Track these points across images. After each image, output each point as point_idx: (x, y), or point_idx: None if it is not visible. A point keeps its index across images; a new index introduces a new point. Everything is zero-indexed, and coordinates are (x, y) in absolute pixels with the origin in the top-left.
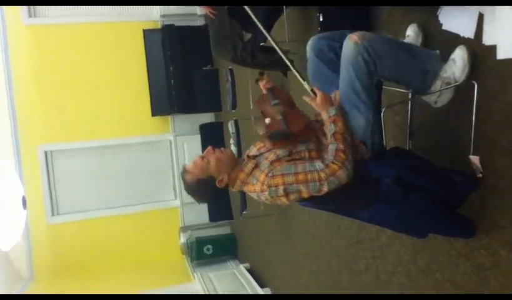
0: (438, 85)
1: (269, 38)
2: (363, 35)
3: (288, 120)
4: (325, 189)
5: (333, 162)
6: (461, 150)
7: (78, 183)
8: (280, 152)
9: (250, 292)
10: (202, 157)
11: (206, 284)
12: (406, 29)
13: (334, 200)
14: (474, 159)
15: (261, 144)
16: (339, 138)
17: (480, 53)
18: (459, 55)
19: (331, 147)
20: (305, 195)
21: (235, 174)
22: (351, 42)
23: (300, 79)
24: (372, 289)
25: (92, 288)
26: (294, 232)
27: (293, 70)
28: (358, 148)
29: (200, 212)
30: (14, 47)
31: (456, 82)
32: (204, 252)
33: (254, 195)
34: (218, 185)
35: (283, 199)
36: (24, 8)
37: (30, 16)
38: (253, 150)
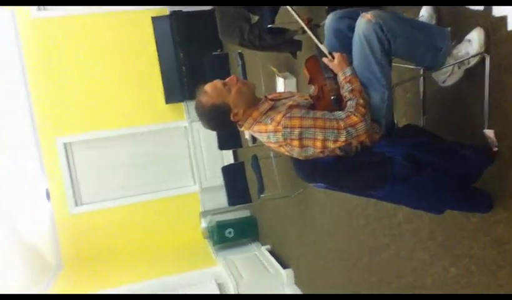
0: (450, 63)
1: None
2: (376, 14)
3: (339, 103)
4: (343, 138)
5: (354, 114)
6: (476, 125)
7: (98, 173)
8: (300, 99)
9: (272, 273)
10: (224, 83)
11: (230, 267)
12: (419, 9)
13: (347, 181)
14: (489, 133)
15: (279, 94)
16: (357, 94)
17: (491, 25)
18: (476, 37)
19: (351, 103)
20: (319, 143)
21: (250, 110)
22: (364, 21)
23: (317, 42)
24: (393, 266)
25: (118, 274)
26: (312, 212)
27: (310, 33)
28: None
29: (219, 197)
30: (26, 41)
31: (468, 63)
32: (226, 235)
33: (263, 137)
34: (232, 119)
35: (295, 144)
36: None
37: (39, 9)
38: (270, 95)
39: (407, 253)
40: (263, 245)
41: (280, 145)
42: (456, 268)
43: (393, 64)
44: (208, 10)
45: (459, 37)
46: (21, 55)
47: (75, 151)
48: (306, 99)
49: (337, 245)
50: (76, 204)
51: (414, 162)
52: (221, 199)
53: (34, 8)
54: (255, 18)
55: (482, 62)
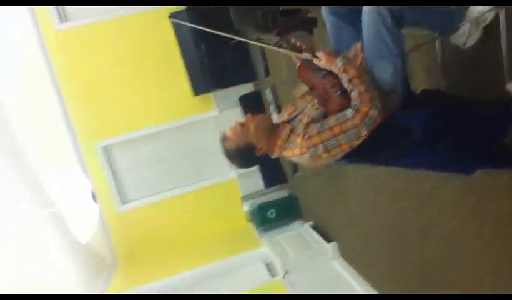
0: (466, 26)
1: None
2: None
3: (347, 95)
4: (364, 132)
5: (361, 105)
6: (497, 82)
7: (139, 170)
8: (313, 112)
9: (317, 248)
10: (242, 124)
11: (275, 247)
12: None
13: (370, 153)
14: (511, 87)
15: (292, 108)
16: (356, 82)
17: None
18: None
19: (353, 94)
20: (345, 146)
21: (272, 140)
22: None
23: (294, 54)
24: (427, 236)
25: (170, 264)
26: (347, 187)
27: (282, 50)
28: (386, 99)
29: (257, 180)
30: (53, 54)
31: (485, 21)
32: (268, 216)
33: (295, 159)
34: (257, 153)
35: (325, 156)
36: (55, 15)
37: (61, 22)
38: (284, 116)
39: (436, 222)
40: (305, 222)
41: (314, 160)
42: (487, 232)
43: (407, 31)
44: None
45: None
46: (51, 68)
47: (114, 153)
48: (317, 108)
49: (375, 216)
50: (122, 203)
51: (436, 128)
52: (260, 182)
53: (56, 21)
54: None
55: (497, 17)
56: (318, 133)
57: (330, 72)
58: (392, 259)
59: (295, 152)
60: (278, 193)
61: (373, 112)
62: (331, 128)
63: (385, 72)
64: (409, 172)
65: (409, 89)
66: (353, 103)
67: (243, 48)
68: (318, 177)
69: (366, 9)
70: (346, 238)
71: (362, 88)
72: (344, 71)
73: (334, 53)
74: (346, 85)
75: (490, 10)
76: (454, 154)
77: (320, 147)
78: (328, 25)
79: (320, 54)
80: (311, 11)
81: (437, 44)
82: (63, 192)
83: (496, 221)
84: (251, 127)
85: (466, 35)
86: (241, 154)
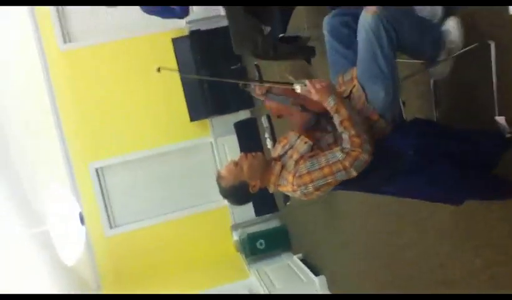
0: (443, 54)
1: None
2: (379, 7)
3: (307, 107)
4: (354, 174)
5: (351, 150)
6: (487, 112)
7: (130, 194)
8: (301, 148)
9: (305, 281)
10: (235, 163)
11: (262, 277)
12: None
13: (359, 179)
14: (500, 119)
15: (285, 140)
16: (347, 125)
17: (493, 9)
18: (452, 26)
19: (345, 136)
20: (335, 183)
21: (267, 177)
22: (369, 15)
23: (280, 85)
24: (421, 263)
25: (156, 291)
26: (339, 215)
27: (271, 84)
28: (376, 122)
29: (248, 209)
30: (54, 73)
31: (458, 49)
32: (257, 247)
33: (290, 194)
34: (251, 191)
35: (316, 193)
36: (59, 35)
37: (65, 42)
38: (278, 149)
39: (432, 248)
40: (295, 254)
41: (307, 196)
42: (481, 259)
43: (400, 60)
44: (226, 27)
45: None
46: (50, 86)
47: (106, 175)
48: (305, 143)
49: (366, 247)
50: (111, 227)
51: (425, 154)
52: (251, 211)
53: (61, 41)
54: (267, 29)
55: (488, 48)
56: (308, 172)
57: (289, 96)
58: (385, 290)
59: (288, 188)
60: (269, 223)
61: (363, 156)
62: (321, 168)
63: (377, 94)
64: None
65: (401, 116)
66: (344, 145)
67: (242, 74)
68: (310, 206)
69: (362, 32)
70: (336, 270)
71: (353, 132)
72: (336, 112)
73: (328, 88)
74: (337, 125)
75: (460, 40)
76: (444, 181)
77: (310, 186)
78: (327, 47)
79: (313, 85)
80: (310, 40)
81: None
82: (51, 211)
83: (491, 247)
84: (245, 166)
85: (445, 65)
86: (236, 193)
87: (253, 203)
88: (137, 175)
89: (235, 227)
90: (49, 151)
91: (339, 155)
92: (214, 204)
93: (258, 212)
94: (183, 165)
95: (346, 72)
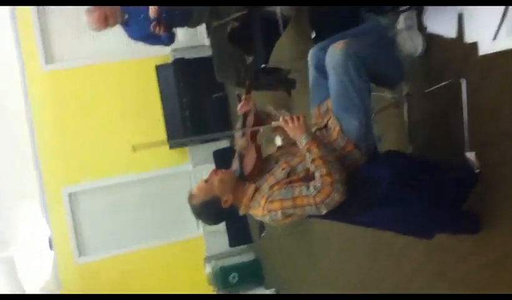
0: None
1: None
2: (347, 42)
3: (242, 162)
4: (323, 211)
5: (322, 188)
6: (458, 148)
7: (103, 221)
8: (278, 174)
9: None
10: (206, 180)
11: None
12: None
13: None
14: (471, 156)
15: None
16: (318, 163)
17: (464, 51)
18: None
19: (316, 175)
20: (304, 216)
21: (239, 196)
22: (337, 50)
23: (260, 128)
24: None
25: None
26: (314, 248)
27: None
28: (351, 153)
29: (223, 240)
30: (34, 93)
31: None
32: (229, 281)
33: (259, 218)
34: (223, 206)
35: (286, 221)
36: (42, 55)
37: (47, 63)
38: (255, 172)
39: (406, 283)
40: (267, 288)
41: (275, 222)
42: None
43: (373, 93)
44: (210, 57)
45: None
46: (28, 105)
47: (80, 200)
48: (283, 169)
49: (340, 280)
50: (80, 254)
51: (399, 185)
52: (226, 242)
53: (43, 62)
54: (250, 59)
55: (459, 86)
56: (280, 200)
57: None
58: None
59: (258, 212)
60: (243, 256)
61: (334, 195)
62: (293, 198)
63: (351, 125)
64: (380, 231)
65: (375, 148)
66: (316, 184)
67: (224, 102)
68: (285, 237)
69: (330, 67)
70: None
71: (324, 171)
72: (308, 151)
73: (302, 127)
74: (309, 164)
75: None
76: (416, 213)
77: (279, 213)
78: (310, 77)
79: (286, 122)
80: (291, 72)
81: (404, 110)
82: (19, 233)
83: (465, 281)
84: (215, 181)
85: (415, 45)
86: (208, 209)
87: (227, 233)
88: (112, 201)
89: (208, 259)
90: (22, 172)
91: (312, 190)
92: (188, 235)
93: (233, 242)
94: (160, 193)
95: (323, 104)
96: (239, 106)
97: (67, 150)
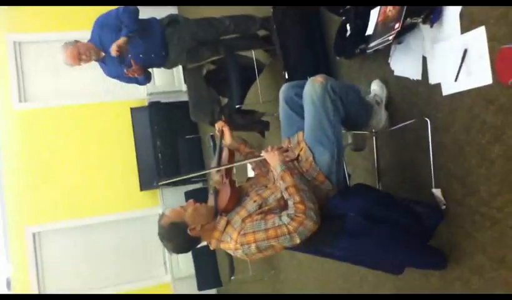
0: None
1: None
2: (326, 77)
3: (218, 197)
4: (297, 240)
5: (295, 216)
6: (424, 184)
7: (67, 263)
8: (250, 207)
9: None
10: (182, 206)
11: None
12: (363, 80)
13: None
14: (437, 192)
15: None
16: (292, 191)
17: (429, 91)
18: (376, 87)
19: (290, 203)
20: (278, 249)
21: (209, 230)
22: (317, 84)
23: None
24: None
25: None
26: (286, 293)
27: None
28: (322, 184)
29: (192, 286)
30: (3, 130)
31: (381, 101)
32: None
33: (231, 253)
34: (189, 233)
35: (259, 256)
36: (15, 94)
37: (20, 101)
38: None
39: None
40: None
41: (248, 256)
42: None
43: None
44: (185, 101)
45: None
46: None
47: (44, 240)
48: (254, 201)
49: None
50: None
51: (367, 218)
52: (195, 289)
53: (16, 100)
54: (225, 100)
55: (426, 128)
56: (254, 232)
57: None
58: None
59: (230, 246)
60: None
61: (308, 223)
62: (266, 230)
63: (323, 157)
64: (349, 273)
65: (345, 182)
66: (289, 212)
67: (197, 142)
68: (256, 284)
69: (308, 100)
70: None
71: (297, 198)
72: (282, 179)
73: (278, 156)
74: (283, 192)
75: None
76: (384, 246)
77: (253, 247)
78: (280, 111)
79: (267, 150)
80: (264, 114)
81: (374, 152)
82: None
83: None
84: (190, 209)
85: (379, 119)
86: (173, 231)
87: (196, 276)
88: (78, 243)
89: None
90: None
91: (285, 219)
92: (155, 280)
93: (201, 286)
94: (129, 236)
95: (293, 137)
96: (217, 125)
97: (34, 189)
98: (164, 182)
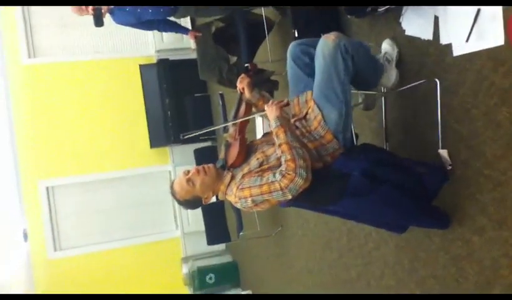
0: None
1: None
2: (339, 34)
3: (228, 152)
4: (289, 196)
5: (286, 173)
6: (431, 145)
7: (79, 217)
8: (252, 164)
9: None
10: (188, 180)
11: None
12: (374, 39)
13: (306, 196)
14: (443, 153)
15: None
16: (284, 148)
17: (439, 52)
18: (387, 45)
19: (282, 159)
20: (273, 202)
21: (217, 186)
22: (329, 41)
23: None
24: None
25: None
26: (290, 250)
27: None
28: (329, 143)
29: (201, 242)
30: (14, 86)
31: (392, 59)
32: (206, 281)
33: (234, 204)
34: (204, 202)
35: (256, 208)
36: (24, 49)
37: (29, 56)
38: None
39: (377, 281)
40: (243, 290)
41: (246, 209)
42: (421, 290)
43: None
44: (193, 59)
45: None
46: (8, 98)
47: (57, 195)
48: (257, 159)
49: (314, 281)
50: (55, 249)
51: (371, 178)
52: (204, 244)
53: (25, 55)
54: (234, 58)
55: (435, 87)
56: (249, 187)
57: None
58: None
59: (232, 198)
60: (220, 258)
61: (298, 180)
62: (260, 186)
63: (331, 115)
64: (353, 231)
65: (351, 138)
66: (282, 168)
67: (206, 101)
68: (263, 240)
69: (320, 57)
70: None
71: (288, 156)
72: (276, 135)
73: (276, 109)
74: (276, 149)
75: (392, 50)
76: (388, 204)
77: (249, 200)
78: (288, 70)
79: (269, 103)
80: (273, 74)
81: (383, 113)
82: None
83: (432, 278)
84: (197, 183)
85: (389, 77)
86: (188, 204)
87: (206, 232)
88: (90, 198)
89: (185, 259)
90: None
91: (278, 176)
92: (166, 234)
93: (211, 241)
94: (139, 192)
95: (302, 95)
96: (238, 81)
97: (46, 144)
98: (190, 135)
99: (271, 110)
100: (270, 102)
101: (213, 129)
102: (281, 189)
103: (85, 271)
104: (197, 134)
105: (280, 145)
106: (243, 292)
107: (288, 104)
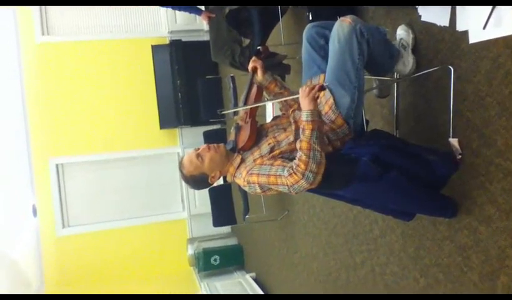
0: (404, 59)
1: None
2: (355, 18)
3: (238, 135)
4: (293, 192)
5: (294, 173)
6: (443, 134)
7: (88, 195)
8: (264, 148)
9: None
10: (197, 155)
11: (212, 293)
12: (389, 25)
13: None
14: (454, 141)
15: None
16: (303, 146)
17: (455, 39)
18: (403, 31)
19: (297, 155)
20: (280, 190)
21: (226, 167)
22: (345, 25)
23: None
24: (368, 282)
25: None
26: (296, 235)
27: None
28: (340, 128)
29: (207, 224)
30: (27, 63)
31: (408, 45)
32: (211, 262)
33: (242, 187)
34: (210, 182)
35: (263, 194)
36: (38, 26)
37: (43, 34)
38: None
39: (381, 268)
40: (248, 272)
41: (254, 193)
42: (425, 278)
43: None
44: (206, 41)
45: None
46: (21, 75)
47: (66, 173)
48: (269, 144)
49: (318, 266)
50: (64, 226)
51: (380, 164)
52: (210, 226)
53: (38, 33)
54: (246, 41)
55: (449, 74)
56: (258, 175)
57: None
58: None
59: (240, 182)
60: (225, 240)
61: (302, 183)
62: (268, 175)
63: (343, 100)
64: (359, 218)
65: (362, 124)
66: (292, 164)
67: (217, 83)
68: (269, 223)
69: (335, 39)
70: (288, 291)
71: (304, 156)
72: (303, 129)
73: (312, 101)
74: (297, 142)
75: (408, 36)
76: (396, 191)
77: (257, 186)
78: (303, 52)
79: (306, 88)
80: (286, 58)
81: (394, 99)
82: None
83: (436, 266)
84: (206, 159)
85: (405, 62)
86: (195, 181)
87: (212, 214)
88: (99, 177)
89: (191, 241)
90: (9, 139)
91: (286, 172)
92: (173, 215)
93: (217, 223)
94: (147, 173)
95: (315, 77)
96: (254, 64)
97: (57, 122)
98: (225, 112)
99: (306, 101)
100: (305, 87)
101: (248, 107)
102: (287, 185)
103: (92, 249)
104: (233, 111)
105: (300, 141)
106: (247, 275)
107: (324, 89)
